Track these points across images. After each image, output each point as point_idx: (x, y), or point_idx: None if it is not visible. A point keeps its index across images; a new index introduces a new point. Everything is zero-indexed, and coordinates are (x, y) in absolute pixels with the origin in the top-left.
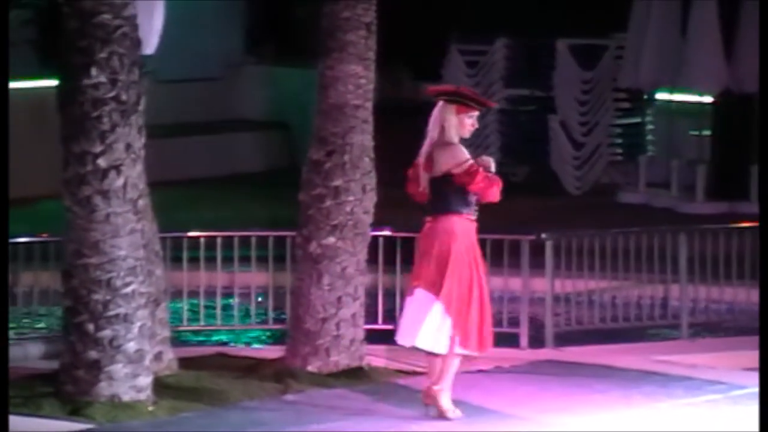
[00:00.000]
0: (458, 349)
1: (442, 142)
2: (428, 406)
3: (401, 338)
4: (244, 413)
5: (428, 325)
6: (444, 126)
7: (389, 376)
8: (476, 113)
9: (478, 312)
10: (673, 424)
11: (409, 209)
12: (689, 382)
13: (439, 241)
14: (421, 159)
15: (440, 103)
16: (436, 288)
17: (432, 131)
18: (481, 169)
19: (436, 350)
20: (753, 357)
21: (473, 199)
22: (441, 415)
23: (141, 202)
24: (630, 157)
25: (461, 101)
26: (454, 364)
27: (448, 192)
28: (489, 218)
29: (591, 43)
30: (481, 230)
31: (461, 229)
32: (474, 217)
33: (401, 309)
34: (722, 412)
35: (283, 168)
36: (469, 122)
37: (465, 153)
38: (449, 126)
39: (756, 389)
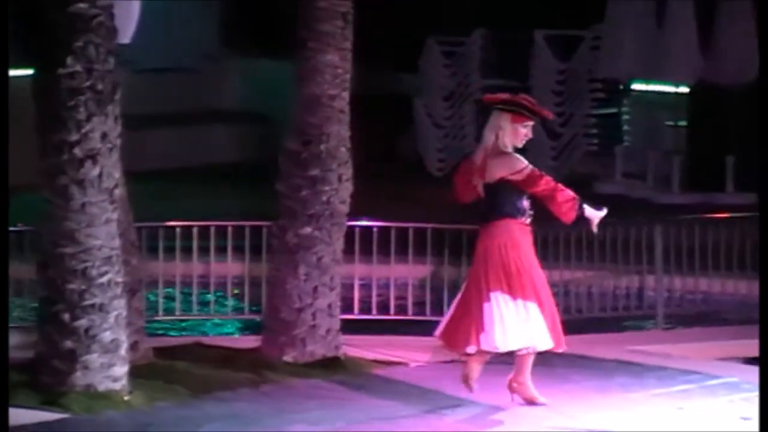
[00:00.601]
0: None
1: (497, 151)
2: (513, 394)
3: (491, 344)
4: (219, 403)
5: (513, 325)
6: (498, 134)
7: (365, 366)
8: (531, 123)
9: (547, 309)
10: (647, 414)
11: (386, 199)
12: (663, 372)
13: (497, 242)
14: (475, 166)
15: (495, 111)
16: (507, 288)
17: (487, 139)
18: (544, 175)
19: (530, 345)
20: (727, 347)
21: (526, 204)
22: (530, 402)
23: (117, 192)
24: (606, 148)
25: (516, 110)
26: (529, 358)
27: (501, 198)
28: (464, 209)
29: (567, 33)
30: (459, 221)
31: (516, 231)
32: (527, 222)
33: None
34: (696, 402)
35: (259, 159)
36: (523, 131)
37: (521, 161)
38: (503, 135)
39: (731, 379)
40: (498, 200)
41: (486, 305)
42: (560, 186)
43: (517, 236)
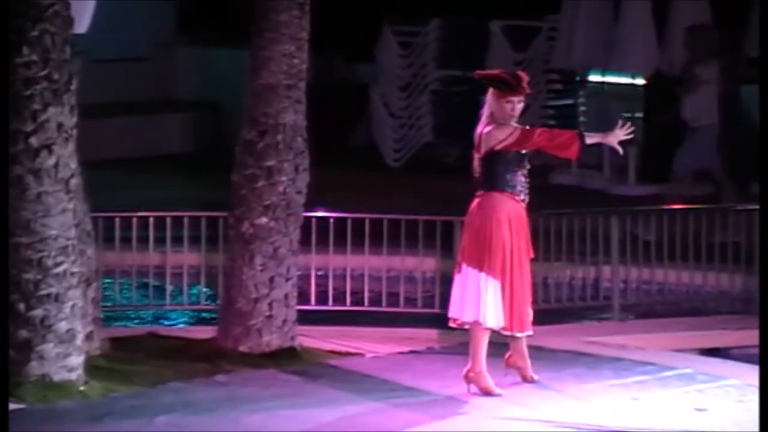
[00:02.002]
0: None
1: (486, 125)
2: (469, 384)
3: (457, 313)
4: (175, 393)
5: (487, 301)
6: (491, 110)
7: (321, 357)
8: (514, 98)
9: (509, 292)
10: (602, 404)
11: (342, 190)
12: (619, 363)
13: (480, 216)
14: (475, 141)
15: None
16: (480, 263)
17: (485, 114)
18: (537, 128)
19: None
20: (682, 338)
21: (521, 180)
22: (486, 393)
23: (73, 182)
24: None
25: (494, 85)
26: (481, 345)
27: (492, 171)
28: (421, 199)
29: (524, 24)
30: (414, 211)
31: (503, 206)
32: (520, 198)
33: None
34: (651, 393)
35: (214, 149)
36: (508, 107)
37: (509, 126)
38: (491, 110)
39: (687, 370)
40: (488, 173)
41: (456, 276)
42: (556, 130)
43: (503, 212)
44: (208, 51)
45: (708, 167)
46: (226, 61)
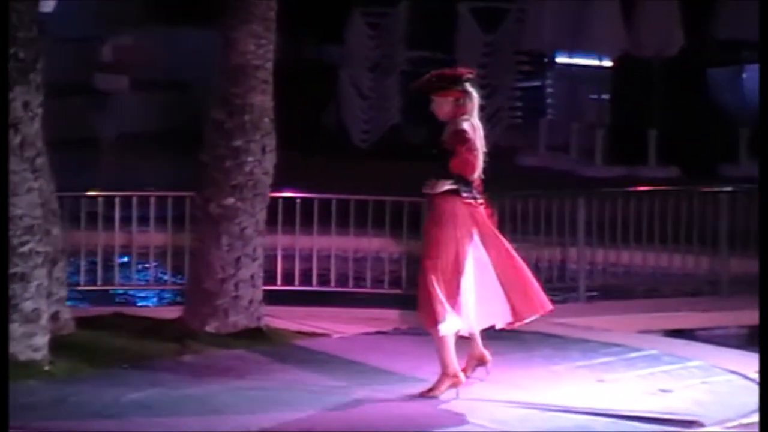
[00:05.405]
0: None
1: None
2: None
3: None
4: (141, 373)
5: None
6: None
7: (288, 338)
8: (433, 98)
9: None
10: (569, 386)
11: (310, 170)
12: (585, 344)
13: (429, 214)
14: None
15: None
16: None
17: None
18: (472, 148)
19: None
20: (648, 320)
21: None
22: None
23: (38, 161)
24: (530, 120)
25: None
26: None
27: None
28: (389, 180)
29: (492, 6)
30: (379, 192)
31: (452, 206)
32: (470, 197)
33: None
34: (617, 374)
35: (182, 128)
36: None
37: (456, 125)
38: None
39: (652, 352)
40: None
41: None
42: (471, 161)
43: (449, 209)
44: (178, 30)
45: None
46: (196, 40)
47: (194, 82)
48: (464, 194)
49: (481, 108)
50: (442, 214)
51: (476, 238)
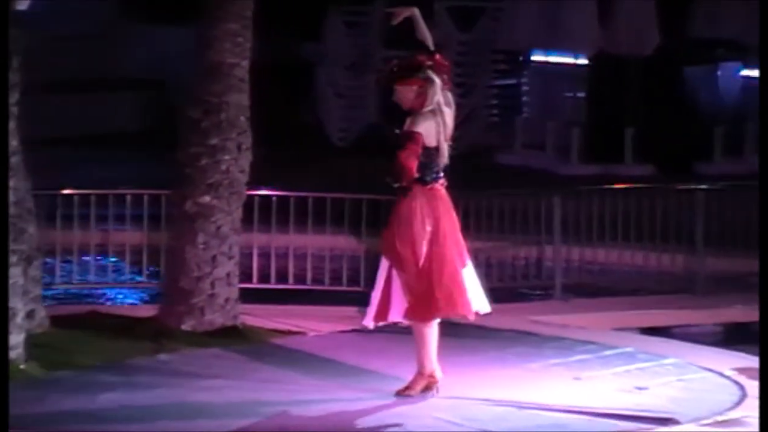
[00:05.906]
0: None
1: None
2: None
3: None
4: (117, 372)
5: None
6: None
7: (264, 336)
8: (398, 87)
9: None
10: (544, 384)
11: (288, 169)
12: (561, 342)
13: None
14: None
15: None
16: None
17: None
18: (414, 146)
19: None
20: (623, 318)
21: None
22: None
23: (13, 160)
24: (506, 119)
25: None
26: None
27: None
28: (366, 178)
29: (469, 4)
30: (359, 190)
31: (421, 195)
32: (432, 185)
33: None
34: (592, 371)
35: (159, 127)
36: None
37: (414, 121)
38: None
39: (627, 349)
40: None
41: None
42: (407, 167)
43: (413, 198)
44: (154, 29)
45: None
46: (173, 38)
47: (172, 80)
48: (427, 179)
49: (457, 106)
50: (400, 212)
51: (431, 234)
